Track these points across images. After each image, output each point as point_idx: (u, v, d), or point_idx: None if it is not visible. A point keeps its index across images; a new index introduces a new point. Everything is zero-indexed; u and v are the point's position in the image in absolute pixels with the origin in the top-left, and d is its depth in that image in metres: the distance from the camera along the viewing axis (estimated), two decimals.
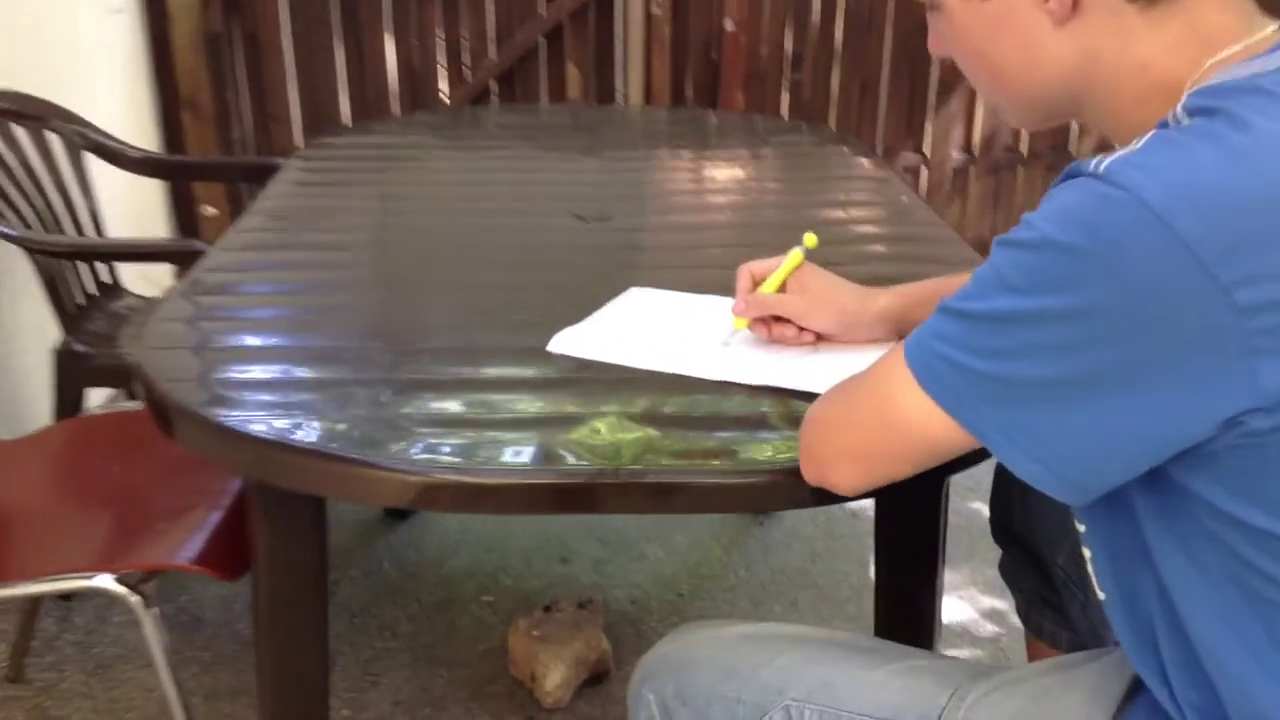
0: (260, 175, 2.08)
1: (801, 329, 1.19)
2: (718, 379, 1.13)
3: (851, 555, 2.23)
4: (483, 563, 2.20)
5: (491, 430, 1.05)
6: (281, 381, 1.15)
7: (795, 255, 1.20)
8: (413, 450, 1.00)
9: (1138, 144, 0.75)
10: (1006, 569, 1.37)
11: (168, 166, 2.66)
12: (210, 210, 3.14)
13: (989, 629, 2.03)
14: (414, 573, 2.17)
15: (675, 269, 1.49)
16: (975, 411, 0.79)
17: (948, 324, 0.81)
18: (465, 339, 1.25)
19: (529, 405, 1.10)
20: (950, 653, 1.87)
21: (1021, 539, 1.31)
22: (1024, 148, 3.55)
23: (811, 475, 0.94)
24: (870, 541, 1.55)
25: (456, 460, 1.00)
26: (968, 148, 3.54)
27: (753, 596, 2.12)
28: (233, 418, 1.05)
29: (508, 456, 1.01)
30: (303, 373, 1.16)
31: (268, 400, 1.10)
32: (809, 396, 1.08)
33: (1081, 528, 0.89)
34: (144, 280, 2.40)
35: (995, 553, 1.40)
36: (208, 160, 3.03)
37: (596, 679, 1.88)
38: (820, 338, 1.19)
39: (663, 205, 1.86)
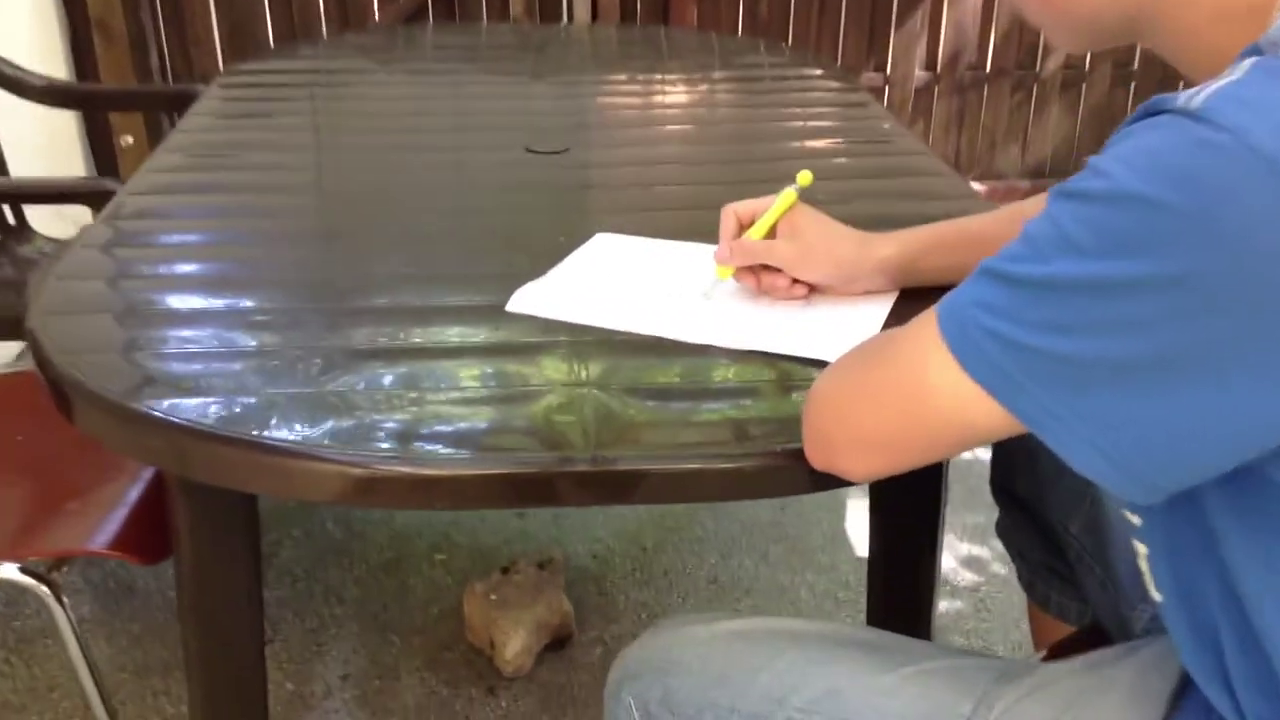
0: (180, 104, 1.89)
1: (794, 280, 1.05)
2: (700, 341, 1.00)
3: (821, 502, 2.12)
4: (433, 519, 2.07)
5: (441, 407, 0.91)
6: (199, 353, 0.99)
7: (787, 195, 1.06)
8: (349, 435, 0.86)
9: (1234, 75, 0.61)
10: (1006, 531, 1.27)
11: (77, 96, 2.45)
12: (128, 140, 2.92)
13: (968, 578, 1.94)
14: (360, 531, 2.03)
15: (645, 211, 1.35)
16: (1027, 395, 0.66)
17: (993, 290, 0.68)
18: (410, 297, 1.10)
19: (482, 376, 0.96)
20: None
21: (1027, 503, 1.20)
22: (989, 66, 3.41)
23: (819, 460, 0.81)
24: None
25: (395, 450, 0.86)
26: (931, 66, 3.40)
27: (721, 549, 2.01)
28: (142, 401, 0.90)
29: (457, 442, 0.87)
30: (224, 343, 1.01)
31: (181, 377, 0.95)
32: (806, 363, 0.96)
33: (1135, 521, 0.77)
34: (60, 219, 2.21)
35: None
36: (121, 89, 2.81)
37: (559, 643, 1.77)
38: (814, 289, 1.06)
39: (623, 136, 1.70)
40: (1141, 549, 0.78)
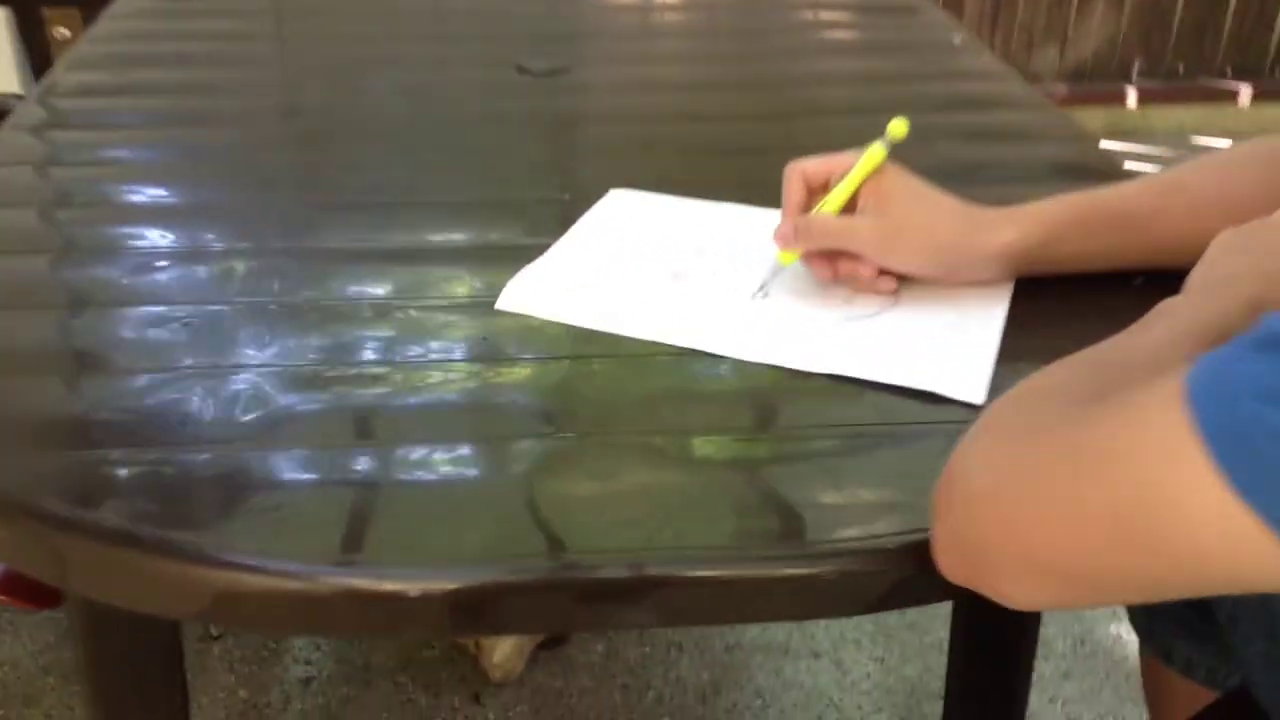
0: None
1: (881, 270, 0.79)
2: (757, 360, 0.73)
3: None
4: None
5: (407, 471, 0.64)
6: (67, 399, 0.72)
7: (873, 154, 0.78)
8: (237, 529, 0.60)
9: None
10: None
11: None
12: (64, 32, 2.60)
13: None
14: None
15: (670, 156, 1.06)
16: None
17: None
18: (373, 287, 0.83)
19: (460, 416, 0.70)
20: None
21: None
22: None
23: (960, 574, 0.55)
24: None
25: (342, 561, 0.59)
26: None
27: None
28: None
29: (418, 546, 0.61)
30: (118, 356, 0.74)
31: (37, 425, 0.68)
32: (908, 395, 0.69)
33: None
34: None
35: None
36: None
37: (554, 641, 1.53)
38: (901, 278, 0.79)
39: (638, 51, 1.39)
40: None
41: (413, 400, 0.70)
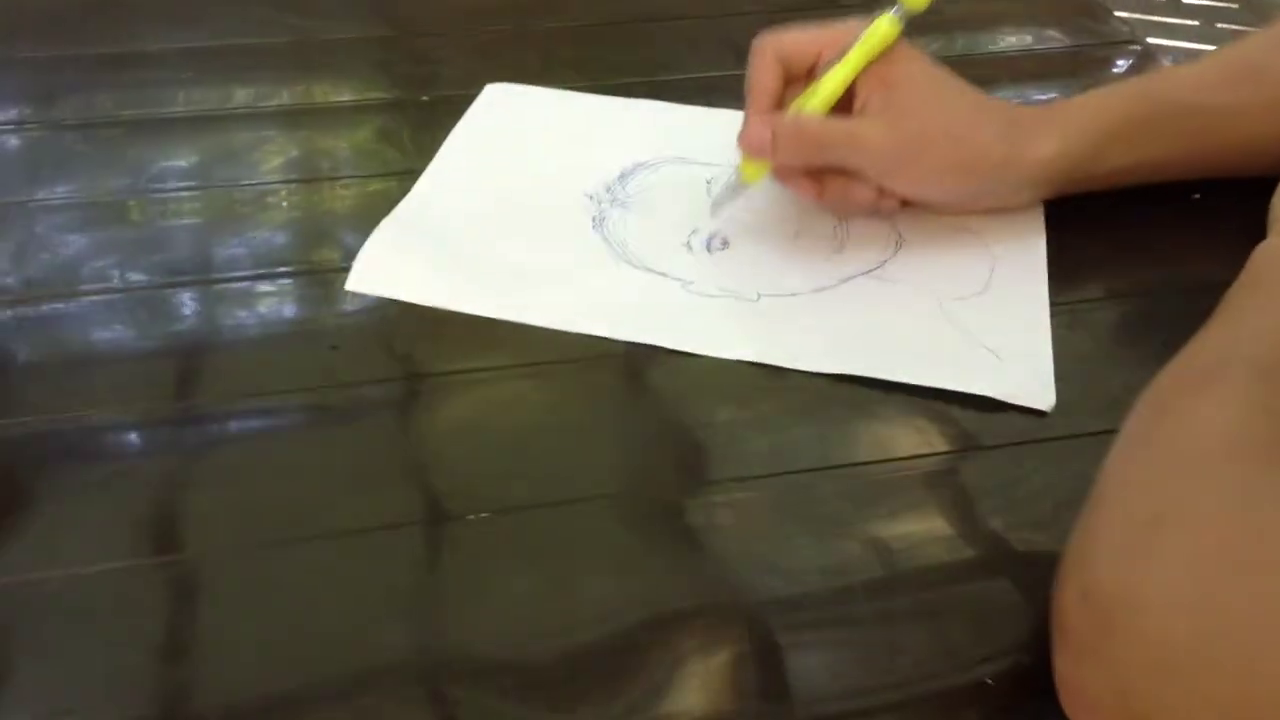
0: None
1: (882, 191, 0.57)
2: (720, 354, 0.51)
3: None
4: None
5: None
6: None
7: (881, 29, 0.55)
8: None
9: None
10: None
11: None
12: None
13: None
14: None
15: (565, 39, 0.78)
16: None
17: None
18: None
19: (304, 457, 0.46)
20: None
21: None
22: None
23: None
24: None
25: None
26: None
27: None
28: None
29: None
30: None
31: None
32: (955, 401, 0.49)
33: None
34: None
35: None
36: None
37: None
38: (905, 203, 0.58)
39: None
40: None
41: None
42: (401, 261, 0.55)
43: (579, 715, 0.38)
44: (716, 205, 0.58)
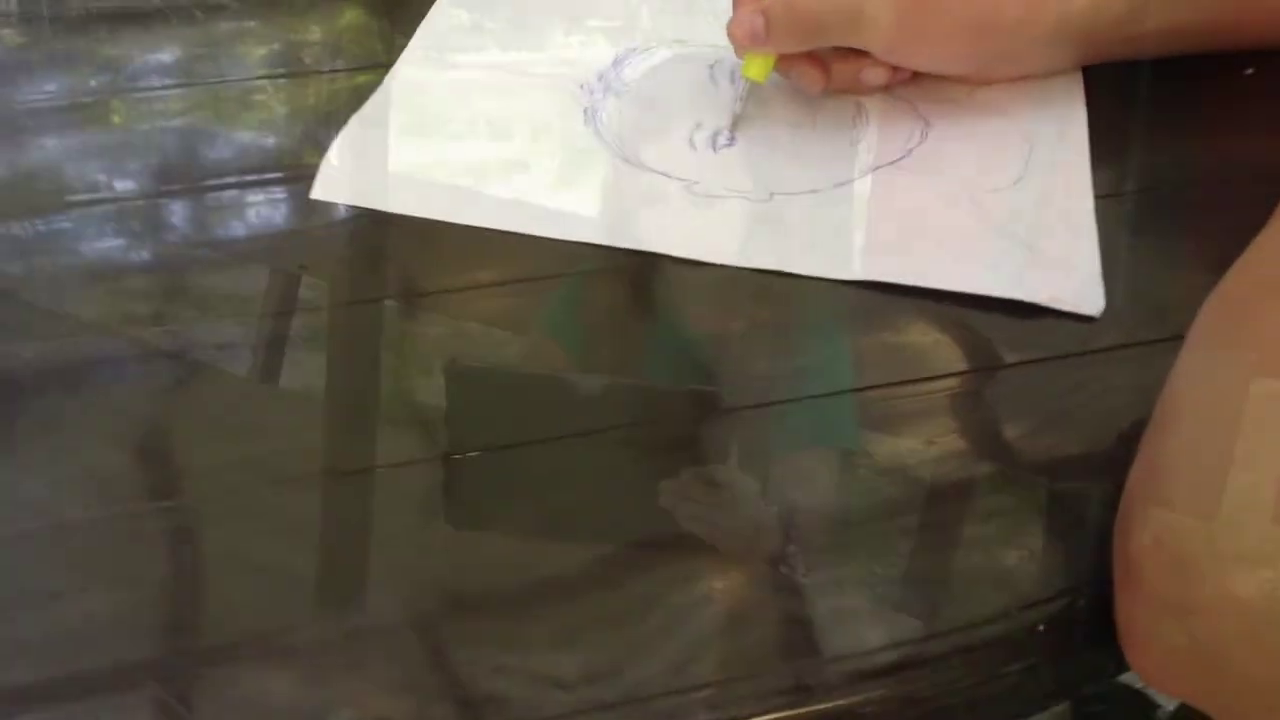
0: None
1: (894, 68, 0.52)
2: (750, 265, 0.46)
3: None
4: None
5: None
6: None
7: None
8: None
9: None
10: None
11: None
12: None
13: None
14: None
15: None
16: None
17: None
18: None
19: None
20: None
21: None
22: None
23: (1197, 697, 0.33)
24: None
25: None
26: None
27: None
28: None
29: None
30: None
31: None
32: (1009, 312, 0.44)
33: None
34: None
35: None
36: None
37: None
38: (918, 76, 0.53)
39: None
40: None
41: None
42: (371, 165, 0.50)
43: (580, 653, 0.34)
44: (736, 118, 0.52)
